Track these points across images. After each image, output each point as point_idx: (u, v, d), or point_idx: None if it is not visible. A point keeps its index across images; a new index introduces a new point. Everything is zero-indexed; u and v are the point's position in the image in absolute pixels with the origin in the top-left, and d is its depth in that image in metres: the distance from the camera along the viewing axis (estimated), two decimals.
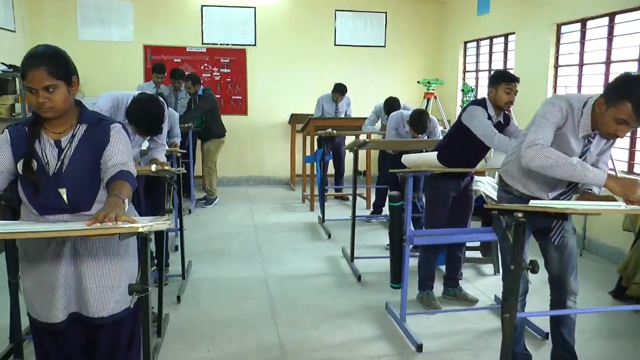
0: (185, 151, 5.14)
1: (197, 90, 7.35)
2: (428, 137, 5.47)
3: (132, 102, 3.41)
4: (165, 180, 3.44)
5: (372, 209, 7.01)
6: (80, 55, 8.49)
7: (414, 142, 5.20)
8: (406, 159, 4.11)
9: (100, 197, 2.29)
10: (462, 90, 7.64)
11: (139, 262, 2.07)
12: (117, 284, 2.30)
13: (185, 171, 3.80)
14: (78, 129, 2.29)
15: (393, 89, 9.09)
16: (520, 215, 2.24)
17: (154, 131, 3.48)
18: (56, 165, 2.23)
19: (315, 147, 7.38)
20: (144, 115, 3.36)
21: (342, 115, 7.90)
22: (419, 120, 5.10)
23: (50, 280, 2.24)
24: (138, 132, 3.47)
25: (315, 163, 6.67)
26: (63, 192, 2.22)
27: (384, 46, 9.30)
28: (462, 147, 3.83)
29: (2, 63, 7.10)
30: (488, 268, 5.05)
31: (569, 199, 2.85)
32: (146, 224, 1.82)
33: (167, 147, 4.44)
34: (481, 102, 3.82)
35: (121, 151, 2.30)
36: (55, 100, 2.15)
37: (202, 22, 8.80)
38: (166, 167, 3.52)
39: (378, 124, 6.97)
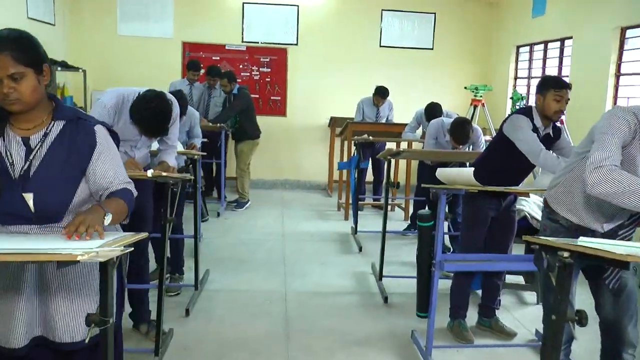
0: (204, 153, 4.83)
1: (232, 89, 7.09)
2: (472, 149, 5.03)
3: (137, 99, 3.11)
4: (169, 186, 3.13)
5: (409, 222, 6.59)
6: (118, 50, 8.47)
7: (454, 154, 4.77)
8: (441, 173, 3.66)
9: (73, 208, 1.98)
10: (512, 98, 7.12)
11: (99, 291, 1.74)
12: (92, 306, 1.99)
13: (193, 177, 3.44)
14: (52, 126, 1.99)
15: (439, 94, 8.66)
16: (566, 255, 1.82)
17: (160, 132, 3.18)
18: (23, 166, 1.93)
19: (352, 152, 7.00)
20: (149, 115, 3.06)
21: (383, 120, 7.50)
22: (461, 129, 4.66)
23: (9, 300, 1.95)
24: (143, 133, 3.18)
25: (350, 170, 6.27)
26: (29, 197, 1.90)
27: (432, 48, 8.85)
28: (503, 162, 3.40)
29: None
30: (530, 296, 4.57)
31: (630, 233, 2.39)
32: (91, 249, 1.50)
33: (180, 149, 4.15)
34: (527, 111, 3.37)
35: (115, 164, 2.06)
36: (22, 90, 1.85)
37: (242, 19, 8.55)
38: (171, 173, 3.22)
39: (419, 131, 6.54)
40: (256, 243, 5.85)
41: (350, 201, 6.62)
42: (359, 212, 6.31)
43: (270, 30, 8.61)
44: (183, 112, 4.16)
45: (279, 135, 8.74)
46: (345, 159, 7.38)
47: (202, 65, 7.50)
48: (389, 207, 7.55)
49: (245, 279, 4.78)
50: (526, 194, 3.77)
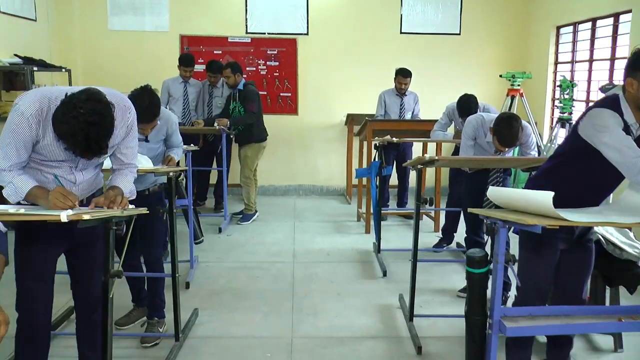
0: (185, 168, 3.89)
1: (237, 82, 6.18)
2: (519, 152, 4.06)
3: (61, 104, 2.17)
4: (110, 227, 2.20)
5: (440, 235, 5.63)
6: (109, 46, 7.54)
7: (502, 161, 3.80)
8: (496, 194, 2.57)
9: None
10: (560, 85, 6.10)
11: None
12: None
13: (147, 211, 2.51)
14: None
15: (469, 85, 7.70)
16: None
17: (94, 150, 2.23)
18: None
19: (373, 156, 6.05)
20: (76, 126, 2.12)
21: (408, 115, 6.54)
22: (508, 128, 3.67)
23: None
24: (74, 152, 2.27)
25: (370, 178, 5.30)
26: None
27: (459, 34, 7.84)
28: (580, 177, 2.44)
29: (16, 55, 6.21)
30: (605, 341, 3.59)
31: None
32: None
33: (147, 165, 3.25)
34: (612, 103, 2.41)
35: None
36: None
37: (246, 8, 7.64)
38: (119, 204, 2.32)
39: (451, 129, 5.56)
40: (260, 267, 4.95)
41: (372, 213, 5.68)
42: (382, 221, 5.37)
43: (277, 19, 7.69)
44: (150, 116, 3.25)
45: (291, 135, 7.84)
46: (364, 164, 6.41)
47: (195, 59, 6.62)
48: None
49: (242, 320, 3.87)
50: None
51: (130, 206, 2.43)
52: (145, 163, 3.22)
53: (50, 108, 2.25)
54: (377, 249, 5.17)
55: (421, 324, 3.73)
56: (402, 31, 7.80)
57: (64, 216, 1.97)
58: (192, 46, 7.67)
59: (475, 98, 4.91)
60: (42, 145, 2.31)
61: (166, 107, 6.54)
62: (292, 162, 7.93)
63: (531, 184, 2.63)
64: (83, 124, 2.12)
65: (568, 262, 2.63)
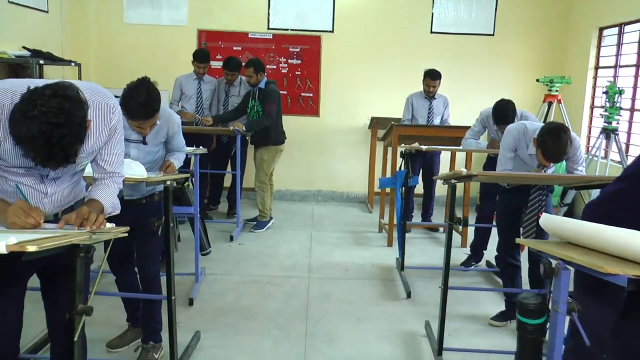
0: (186, 175, 3.43)
1: (259, 81, 5.80)
2: (567, 167, 3.60)
3: (19, 101, 1.78)
4: (77, 256, 1.77)
5: (468, 251, 5.17)
6: (125, 40, 7.19)
7: (550, 179, 3.35)
8: (552, 224, 2.07)
9: None
10: (606, 92, 5.59)
11: None
12: None
13: (126, 234, 2.09)
14: None
15: (502, 89, 7.25)
16: None
17: (58, 159, 1.81)
18: None
19: (399, 165, 5.62)
20: (33, 128, 1.70)
21: (437, 120, 6.09)
22: (556, 141, 3.20)
23: None
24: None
25: (394, 189, 4.86)
26: None
27: (493, 34, 7.36)
28: None
29: (25, 47, 5.89)
30: None
31: None
32: None
33: (139, 173, 2.84)
34: None
35: None
36: None
37: (268, 3, 7.25)
38: (95, 224, 1.91)
39: (484, 138, 5.09)
40: (273, 282, 4.54)
41: (395, 225, 5.25)
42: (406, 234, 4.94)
43: (301, 14, 7.29)
44: (149, 112, 2.85)
45: (311, 138, 7.42)
46: (388, 172, 5.96)
47: (210, 55, 6.25)
48: (439, 229, 6.20)
49: (249, 347, 3.46)
50: None
51: (109, 225, 2.01)
52: (136, 169, 2.81)
53: (14, 104, 1.85)
54: (401, 266, 4.73)
55: (450, 357, 3.29)
56: (433, 31, 7.35)
57: (3, 246, 1.45)
58: (210, 41, 7.30)
59: (513, 104, 4.44)
60: (3, 149, 1.92)
61: (177, 105, 6.20)
62: (311, 167, 7.51)
63: (593, 212, 2.17)
64: (44, 125, 1.71)
65: None
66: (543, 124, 3.43)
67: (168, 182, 2.85)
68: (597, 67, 6.75)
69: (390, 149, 5.86)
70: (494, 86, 7.33)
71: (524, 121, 3.70)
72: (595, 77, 6.75)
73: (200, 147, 4.56)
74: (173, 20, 7.30)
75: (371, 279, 4.72)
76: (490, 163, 4.81)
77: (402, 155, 4.75)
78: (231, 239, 5.58)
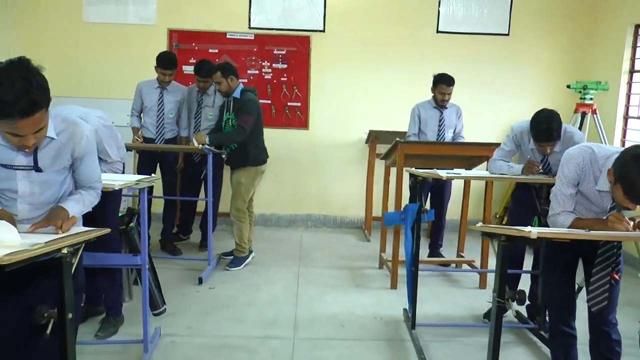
0: (124, 225, 2.44)
1: (232, 88, 4.81)
2: None
3: None
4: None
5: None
6: (85, 41, 6.30)
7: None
8: None
9: None
10: None
11: None
12: None
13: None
14: None
15: (522, 97, 6.37)
16: None
17: None
18: None
19: (405, 188, 4.63)
20: None
21: (449, 134, 5.12)
22: None
23: None
24: None
25: (404, 226, 3.81)
26: None
27: (508, 34, 6.40)
28: None
29: None
30: None
31: None
32: None
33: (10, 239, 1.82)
34: None
35: None
36: None
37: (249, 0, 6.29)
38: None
39: (514, 159, 4.07)
40: (247, 346, 3.52)
41: (400, 263, 4.23)
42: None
43: (287, 12, 6.31)
44: (25, 106, 1.86)
45: (299, 155, 6.43)
46: (391, 197, 4.89)
47: (176, 59, 5.28)
48: (452, 264, 5.21)
49: None
50: None
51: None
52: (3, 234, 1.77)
53: None
54: (412, 323, 3.71)
55: None
56: (439, 30, 6.38)
57: None
58: (182, 43, 6.32)
59: (559, 116, 3.47)
60: None
61: (139, 117, 5.22)
62: (299, 187, 6.50)
63: None
64: None
65: None
66: (620, 149, 2.43)
67: (64, 251, 1.81)
68: (632, 71, 5.79)
69: (394, 170, 4.85)
70: (511, 94, 6.39)
71: (590, 144, 2.69)
72: (630, 83, 5.79)
73: (153, 174, 3.54)
74: (140, 18, 6.32)
75: (374, 339, 3.70)
76: (523, 192, 3.82)
77: (412, 182, 3.71)
78: (200, 281, 4.56)
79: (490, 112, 6.35)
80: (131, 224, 3.19)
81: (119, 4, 6.29)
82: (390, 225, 4.31)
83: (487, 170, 3.92)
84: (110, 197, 3.14)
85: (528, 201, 3.79)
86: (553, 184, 2.74)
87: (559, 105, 6.13)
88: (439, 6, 6.34)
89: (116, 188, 2.74)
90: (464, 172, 4.02)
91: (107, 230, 2.25)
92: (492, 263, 4.55)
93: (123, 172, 3.84)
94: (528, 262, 4.04)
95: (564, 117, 4.70)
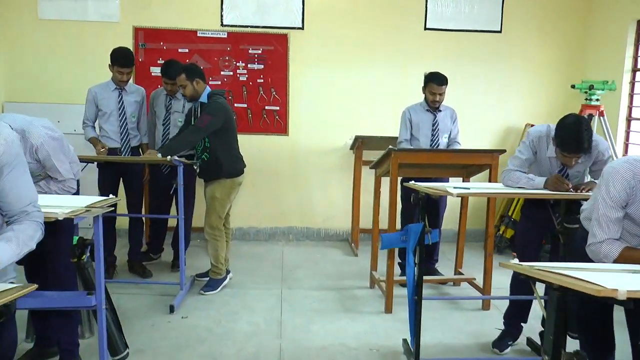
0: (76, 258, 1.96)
1: (199, 92, 4.30)
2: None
3: None
4: None
5: (501, 324, 3.73)
6: (41, 39, 5.73)
7: None
8: None
9: None
10: None
11: None
12: None
13: None
14: None
15: (517, 98, 5.99)
16: None
17: None
18: None
19: (398, 200, 4.18)
20: None
21: (444, 139, 4.67)
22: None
23: None
24: None
25: (404, 251, 3.34)
26: None
27: (500, 31, 5.98)
28: None
29: None
30: None
31: None
32: None
33: None
34: None
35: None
36: None
37: None
38: None
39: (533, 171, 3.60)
40: None
41: (399, 282, 3.78)
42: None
43: (262, 8, 5.81)
44: None
45: (278, 162, 5.93)
46: (384, 211, 4.39)
47: (133, 55, 4.73)
48: (451, 282, 4.77)
49: None
50: None
51: None
52: None
53: None
54: (415, 357, 3.23)
55: None
56: (427, 27, 5.93)
57: None
58: (149, 42, 5.78)
59: (589, 124, 3.02)
60: None
61: (93, 128, 4.68)
62: (279, 198, 6.00)
63: None
64: None
65: None
66: None
67: None
68: (635, 70, 5.41)
69: (386, 180, 4.37)
70: (505, 95, 6.00)
71: (635, 157, 2.24)
72: (632, 82, 5.41)
73: (112, 195, 3.01)
74: (102, 15, 5.76)
75: None
76: (535, 205, 3.38)
77: (415, 202, 3.22)
78: (172, 309, 4.04)
79: (482, 115, 5.93)
80: (84, 257, 2.66)
81: (78, 0, 5.73)
82: (389, 247, 3.82)
83: (501, 182, 3.43)
84: (61, 226, 2.62)
85: (540, 215, 3.36)
86: (575, 200, 2.31)
87: (558, 106, 5.85)
88: (427, 1, 5.90)
89: (59, 218, 2.21)
90: (475, 186, 3.54)
91: (34, 287, 1.77)
92: (496, 281, 4.16)
93: (78, 192, 3.33)
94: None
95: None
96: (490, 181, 4.10)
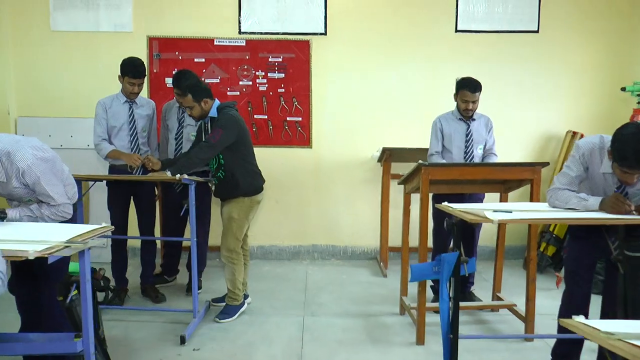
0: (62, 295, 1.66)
1: (206, 110, 3.99)
2: None
3: None
4: None
5: (551, 358, 3.30)
6: (54, 51, 5.54)
7: None
8: None
9: None
10: None
11: None
12: None
13: None
14: None
15: (558, 103, 5.56)
16: None
17: None
18: None
19: (430, 221, 3.78)
20: None
21: (479, 151, 4.28)
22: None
23: None
24: None
25: (438, 284, 2.94)
26: None
27: (537, 31, 5.56)
28: None
29: None
30: None
31: None
32: None
33: None
34: None
35: None
36: None
37: (239, 1, 5.46)
38: None
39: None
40: None
41: (432, 309, 3.37)
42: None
43: (282, 13, 5.50)
44: None
45: (302, 177, 5.60)
46: (414, 231, 4.01)
47: (143, 66, 4.38)
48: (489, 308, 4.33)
49: None
50: None
51: None
52: None
53: None
54: None
55: None
56: (458, 29, 5.55)
57: None
58: (164, 52, 5.51)
59: None
60: None
61: (107, 139, 4.38)
62: (303, 214, 5.66)
63: None
64: None
65: None
66: None
67: None
68: None
69: (415, 196, 3.99)
70: (544, 100, 5.57)
71: None
72: None
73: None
74: (115, 25, 5.53)
75: None
76: (588, 227, 2.95)
77: (449, 227, 2.84)
78: (182, 340, 3.70)
79: (518, 122, 5.52)
80: (74, 294, 2.35)
81: (90, 10, 5.51)
82: (417, 281, 3.43)
83: (547, 201, 3.02)
84: (47, 264, 2.31)
85: (592, 236, 2.93)
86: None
87: (604, 111, 5.41)
88: (458, 1, 5.51)
89: (30, 257, 1.89)
90: (517, 207, 3.09)
91: None
92: (540, 305, 3.75)
93: (75, 217, 3.02)
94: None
95: (613, 126, 3.85)
96: (532, 198, 3.68)
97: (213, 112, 3.97)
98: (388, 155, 5.14)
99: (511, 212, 2.69)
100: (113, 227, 2.66)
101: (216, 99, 4.07)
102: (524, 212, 2.89)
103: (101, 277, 3.08)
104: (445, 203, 3.02)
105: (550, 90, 5.57)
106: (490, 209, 2.73)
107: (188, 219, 4.56)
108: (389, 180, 5.25)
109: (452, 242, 2.86)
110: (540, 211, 2.93)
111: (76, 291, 2.35)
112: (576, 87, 5.58)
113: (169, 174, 3.80)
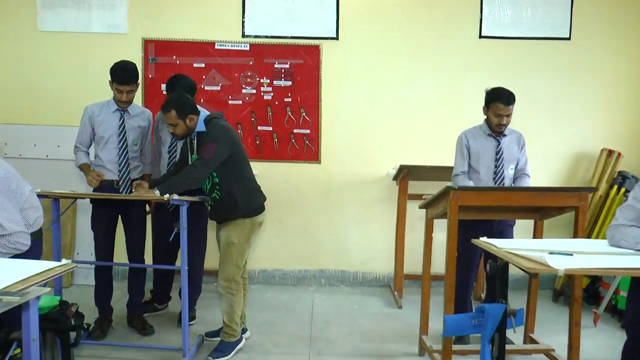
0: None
1: (191, 128, 3.50)
2: None
3: None
4: None
5: None
6: (41, 53, 5.16)
7: None
8: None
9: None
10: None
11: None
12: None
13: None
14: None
15: (592, 117, 5.05)
16: None
17: None
18: None
19: (462, 251, 3.26)
20: None
21: (510, 170, 3.79)
22: None
23: None
24: None
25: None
26: None
27: (569, 38, 5.08)
28: None
29: None
30: None
31: None
32: None
33: None
34: None
35: None
36: None
37: (243, 2, 5.01)
38: None
39: None
40: None
41: (458, 354, 2.87)
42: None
43: (290, 15, 5.04)
44: None
45: (309, 195, 5.12)
46: (438, 260, 3.51)
47: (136, 70, 3.91)
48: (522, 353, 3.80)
49: None
50: None
51: None
52: None
53: None
54: None
55: None
56: (483, 34, 5.07)
57: None
58: (161, 56, 5.06)
59: None
60: None
61: (87, 153, 3.91)
62: (310, 236, 5.16)
63: None
64: None
65: None
66: None
67: None
68: None
69: (441, 222, 3.49)
70: (576, 113, 5.08)
71: None
72: None
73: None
74: (108, 26, 5.09)
75: None
76: None
77: (493, 272, 2.29)
78: None
79: (547, 137, 5.02)
80: (17, 353, 1.86)
81: (81, 9, 5.07)
82: (449, 336, 2.90)
83: (608, 240, 2.50)
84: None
85: None
86: None
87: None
88: (482, 5, 5.04)
89: None
90: (575, 246, 2.50)
91: None
92: (586, 351, 3.22)
93: (39, 247, 2.53)
94: None
95: None
96: (576, 230, 3.17)
97: (200, 126, 3.48)
98: (405, 173, 4.65)
99: (572, 254, 2.18)
100: (75, 265, 2.16)
101: (202, 109, 3.60)
102: (587, 254, 2.34)
103: (72, 314, 2.61)
104: (484, 239, 2.50)
105: (582, 103, 5.08)
106: (545, 250, 2.21)
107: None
108: (405, 201, 4.75)
109: (494, 288, 2.34)
110: (607, 254, 2.37)
111: (18, 349, 1.85)
112: (612, 100, 5.08)
113: (157, 192, 3.31)
